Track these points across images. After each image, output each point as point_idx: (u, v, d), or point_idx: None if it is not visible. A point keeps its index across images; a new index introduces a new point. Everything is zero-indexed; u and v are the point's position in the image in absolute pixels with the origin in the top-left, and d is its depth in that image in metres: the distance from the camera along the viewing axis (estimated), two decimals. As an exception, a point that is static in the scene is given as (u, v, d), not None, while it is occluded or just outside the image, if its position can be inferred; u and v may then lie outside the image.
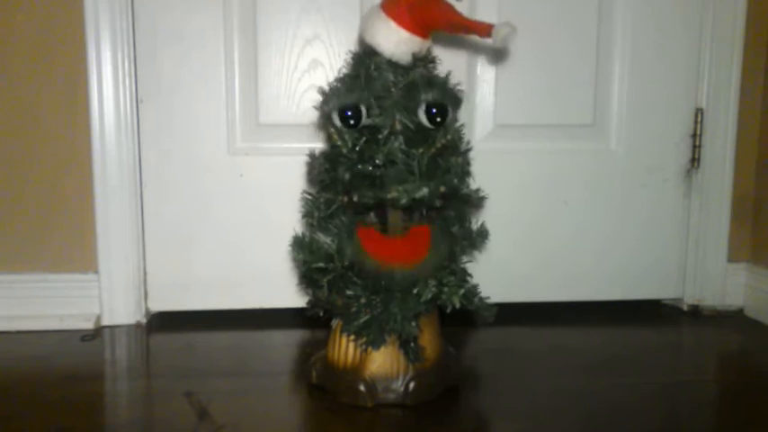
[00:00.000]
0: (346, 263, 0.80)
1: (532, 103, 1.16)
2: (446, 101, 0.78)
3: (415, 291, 0.79)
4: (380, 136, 0.78)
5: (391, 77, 0.79)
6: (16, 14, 1.07)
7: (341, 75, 0.83)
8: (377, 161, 0.78)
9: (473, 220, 0.88)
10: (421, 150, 0.78)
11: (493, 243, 0.91)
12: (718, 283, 1.22)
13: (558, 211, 1.19)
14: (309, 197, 0.85)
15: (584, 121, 1.18)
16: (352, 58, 0.83)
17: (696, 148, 1.20)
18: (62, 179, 1.11)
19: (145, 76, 1.10)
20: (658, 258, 1.23)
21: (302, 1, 1.11)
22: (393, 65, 0.80)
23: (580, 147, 1.19)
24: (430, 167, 0.78)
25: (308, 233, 0.83)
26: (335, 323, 0.86)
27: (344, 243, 0.80)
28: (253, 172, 1.14)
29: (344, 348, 0.84)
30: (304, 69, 1.12)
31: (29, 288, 1.12)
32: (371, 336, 0.81)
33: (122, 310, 1.13)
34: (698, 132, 1.19)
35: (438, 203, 0.80)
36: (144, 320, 1.14)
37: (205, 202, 1.13)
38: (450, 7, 0.79)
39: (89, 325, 1.11)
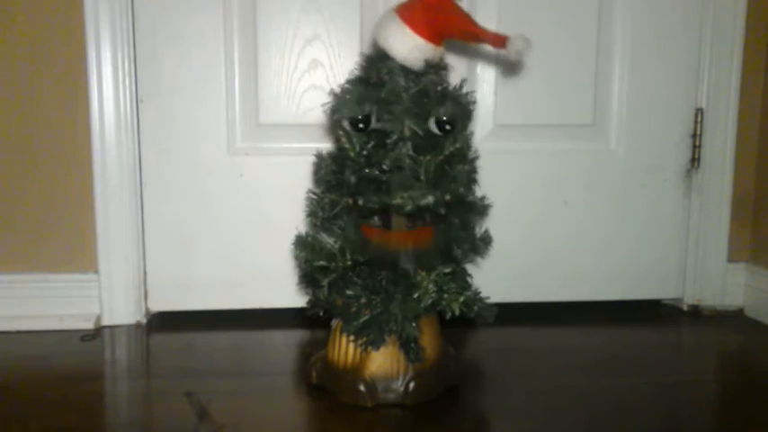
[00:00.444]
0: (349, 262, 0.80)
1: (532, 103, 1.16)
2: (457, 115, 0.78)
3: (415, 295, 0.80)
4: (389, 141, 0.78)
5: (402, 83, 0.79)
6: (16, 14, 1.07)
7: (352, 77, 0.83)
8: (384, 166, 0.77)
9: (477, 227, 0.88)
10: (428, 157, 0.78)
11: (493, 243, 0.91)
12: (718, 283, 1.22)
13: (558, 211, 1.19)
14: (314, 197, 0.85)
15: (584, 122, 1.18)
16: (364, 61, 0.83)
17: (696, 148, 1.20)
18: (62, 179, 1.11)
19: (145, 76, 1.10)
20: (658, 258, 1.23)
21: (302, 1, 1.11)
22: (405, 70, 0.80)
23: (580, 147, 1.19)
24: (436, 175, 0.78)
25: (311, 233, 0.83)
26: (335, 323, 0.86)
27: (349, 238, 0.80)
28: (253, 172, 1.14)
29: (344, 348, 0.84)
30: (304, 69, 1.13)
31: (29, 288, 1.12)
32: (371, 336, 0.81)
33: (122, 310, 1.13)
34: (698, 132, 1.19)
35: (442, 211, 0.80)
36: (144, 320, 1.14)
37: (205, 202, 1.14)
38: (467, 16, 0.79)
39: (89, 325, 1.11)
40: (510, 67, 1.15)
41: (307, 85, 1.13)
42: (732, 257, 1.23)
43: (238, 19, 1.11)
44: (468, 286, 0.85)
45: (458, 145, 0.79)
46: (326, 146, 0.90)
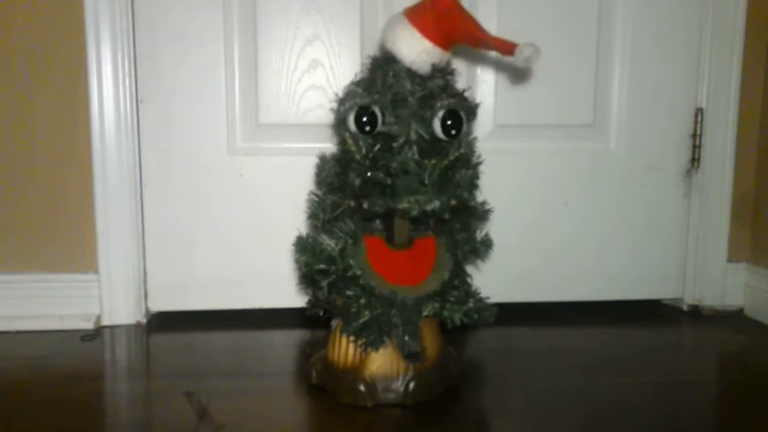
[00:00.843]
0: (349, 273, 0.80)
1: (532, 103, 1.16)
2: (462, 112, 0.78)
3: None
4: (395, 145, 0.78)
5: (408, 86, 0.79)
6: (16, 15, 1.07)
7: (358, 78, 0.83)
8: (389, 170, 0.77)
9: (478, 230, 0.88)
10: (434, 162, 0.78)
11: (493, 246, 0.91)
12: (718, 283, 1.22)
13: (558, 211, 1.19)
14: (316, 198, 0.85)
15: (584, 122, 1.18)
16: (371, 63, 0.83)
17: (696, 148, 1.20)
18: (62, 179, 1.11)
19: (145, 76, 1.10)
20: (658, 258, 1.23)
21: (302, 1, 1.11)
22: (411, 74, 0.79)
23: (580, 147, 1.19)
24: (441, 179, 0.78)
25: (311, 234, 0.83)
26: (335, 323, 0.86)
27: (349, 252, 0.80)
28: (253, 172, 1.14)
29: (344, 348, 0.84)
30: (304, 69, 1.13)
31: (29, 288, 1.12)
32: (371, 336, 0.81)
33: (122, 310, 1.13)
34: (698, 132, 1.19)
35: (447, 216, 0.80)
36: (144, 320, 1.14)
37: (205, 202, 1.14)
38: (476, 22, 0.78)
39: (89, 325, 1.11)
40: (510, 68, 1.15)
41: (307, 85, 1.13)
42: (732, 257, 1.23)
43: (238, 19, 1.11)
44: (469, 296, 0.84)
45: (462, 150, 0.79)
46: (327, 146, 0.91)
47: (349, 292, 0.81)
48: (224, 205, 1.14)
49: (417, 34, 0.79)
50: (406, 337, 0.79)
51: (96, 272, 1.13)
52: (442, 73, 0.81)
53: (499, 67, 1.15)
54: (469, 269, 0.89)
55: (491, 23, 1.12)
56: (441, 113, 0.78)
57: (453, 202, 0.78)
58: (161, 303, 1.16)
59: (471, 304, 0.83)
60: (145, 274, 1.15)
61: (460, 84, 0.85)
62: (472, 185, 0.81)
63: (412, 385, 0.82)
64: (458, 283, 0.84)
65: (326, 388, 0.86)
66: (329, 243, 0.80)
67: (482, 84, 1.16)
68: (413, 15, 0.80)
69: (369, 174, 0.78)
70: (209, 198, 1.14)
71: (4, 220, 1.11)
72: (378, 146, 0.78)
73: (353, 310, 0.81)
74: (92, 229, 1.12)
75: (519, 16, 1.13)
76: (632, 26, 1.16)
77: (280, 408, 0.84)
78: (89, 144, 1.09)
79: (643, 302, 1.25)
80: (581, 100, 1.18)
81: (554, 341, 1.08)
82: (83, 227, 1.12)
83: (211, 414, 0.80)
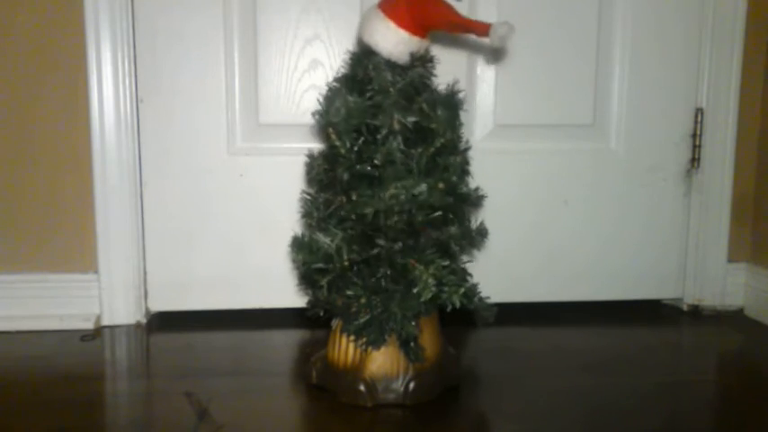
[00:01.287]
0: (346, 263, 0.80)
1: (532, 103, 1.16)
2: (443, 99, 0.79)
3: (415, 290, 0.79)
4: (379, 136, 0.78)
5: (389, 77, 0.79)
6: (17, 14, 1.07)
7: (339, 75, 0.83)
8: (375, 161, 0.78)
9: (473, 220, 0.88)
10: (420, 150, 0.78)
11: (493, 243, 0.91)
12: (718, 283, 1.22)
13: (558, 211, 1.19)
14: (308, 197, 0.85)
15: (584, 121, 1.18)
16: (351, 59, 0.83)
17: (696, 148, 1.20)
18: (62, 179, 1.11)
19: (145, 76, 1.10)
20: (658, 258, 1.23)
21: (302, 1, 1.11)
22: (391, 65, 0.80)
23: (580, 147, 1.19)
24: (429, 166, 0.78)
25: (307, 233, 0.83)
26: (335, 323, 0.86)
27: (343, 243, 0.80)
28: (253, 172, 1.14)
29: (344, 348, 0.84)
30: (304, 69, 1.12)
31: (29, 288, 1.12)
32: (372, 336, 0.81)
33: (122, 310, 1.13)
34: (698, 132, 1.19)
35: (436, 203, 0.79)
36: (144, 320, 1.14)
37: (205, 202, 1.13)
38: (449, 7, 0.79)
39: (89, 325, 1.11)
40: (510, 68, 1.15)
41: (307, 85, 1.13)
42: (732, 257, 1.23)
43: (238, 19, 1.11)
44: (466, 279, 0.85)
45: (448, 136, 0.79)
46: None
47: (349, 292, 0.81)
48: (224, 205, 1.14)
49: (392, 25, 0.79)
50: (405, 323, 0.79)
51: (96, 272, 1.13)
52: (422, 61, 0.82)
53: (499, 66, 1.15)
54: (470, 268, 0.89)
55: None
56: (422, 101, 0.78)
57: (441, 185, 0.78)
58: (161, 303, 1.16)
59: (469, 284, 0.82)
60: (145, 273, 1.15)
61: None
62: (462, 171, 0.81)
63: (412, 385, 0.82)
64: (454, 267, 0.83)
65: (326, 388, 0.86)
66: (325, 241, 0.80)
67: (482, 84, 1.16)
68: (387, 7, 0.80)
69: (356, 167, 0.78)
70: (209, 198, 1.14)
71: (4, 219, 1.11)
72: (362, 138, 0.78)
73: (353, 309, 0.81)
74: (92, 229, 1.12)
75: (519, 16, 1.13)
76: (632, 26, 1.16)
77: (280, 407, 0.84)
78: (89, 144, 1.09)
79: (643, 302, 1.25)
80: (581, 100, 1.17)
81: (554, 341, 1.08)
82: (83, 227, 1.12)
83: (211, 414, 0.80)
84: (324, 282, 0.82)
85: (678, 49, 1.17)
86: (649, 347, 1.06)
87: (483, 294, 0.86)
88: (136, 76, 1.10)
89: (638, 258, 1.22)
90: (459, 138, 0.82)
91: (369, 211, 0.79)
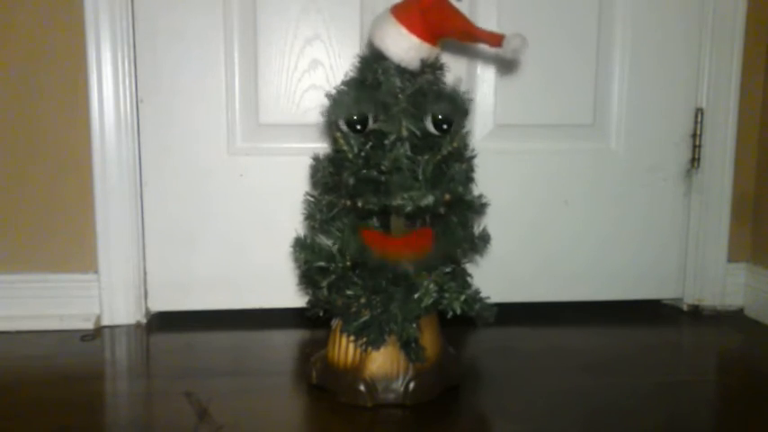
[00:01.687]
0: (348, 263, 0.80)
1: (532, 103, 1.16)
2: (453, 114, 0.78)
3: (415, 296, 0.79)
4: (387, 142, 0.78)
5: (398, 83, 0.79)
6: (17, 14, 1.07)
7: (348, 78, 0.83)
8: (382, 167, 0.77)
9: (475, 225, 0.88)
10: (426, 157, 0.78)
11: (493, 243, 0.91)
12: (718, 283, 1.22)
13: (558, 211, 1.19)
14: (312, 199, 0.85)
15: (584, 121, 1.18)
16: (360, 62, 0.83)
17: (696, 148, 1.20)
18: (62, 179, 1.11)
19: (145, 76, 1.10)
20: (658, 258, 1.23)
21: (302, 1, 1.11)
22: (401, 70, 0.80)
23: (580, 147, 1.19)
24: (435, 174, 0.78)
25: (309, 235, 0.83)
26: (335, 323, 0.86)
27: (347, 240, 0.80)
28: (253, 172, 1.14)
29: (344, 348, 0.84)
30: (304, 69, 1.12)
31: (29, 288, 1.12)
32: (371, 336, 0.81)
33: (122, 310, 1.13)
34: (698, 132, 1.19)
35: (442, 211, 0.80)
36: (144, 320, 1.14)
37: (205, 201, 1.13)
38: (462, 16, 0.79)
39: (89, 325, 1.11)
40: (510, 67, 1.15)
41: (307, 85, 1.13)
42: (732, 257, 1.23)
43: (238, 19, 1.11)
44: (468, 285, 0.85)
45: (455, 144, 0.79)
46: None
47: (349, 292, 0.81)
48: (224, 205, 1.14)
49: (404, 31, 0.79)
50: (405, 324, 0.79)
51: (96, 272, 1.13)
52: (432, 68, 0.82)
53: (499, 66, 1.15)
54: (470, 268, 0.89)
55: (491, 23, 1.12)
56: (431, 109, 0.78)
57: (447, 196, 0.78)
58: (161, 303, 1.16)
59: (470, 292, 0.82)
60: (145, 274, 1.15)
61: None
62: (467, 179, 0.81)
63: (412, 385, 0.82)
64: (456, 272, 0.83)
65: (326, 388, 0.86)
66: (327, 243, 0.80)
67: (482, 84, 1.16)
68: (400, 12, 0.80)
69: (363, 172, 0.78)
70: (209, 198, 1.14)
71: (4, 219, 1.11)
72: (369, 144, 0.78)
73: (353, 309, 0.81)
74: (92, 229, 1.12)
75: (519, 16, 1.13)
76: (632, 26, 1.16)
77: (280, 408, 0.84)
78: (89, 144, 1.09)
79: (643, 302, 1.25)
80: (581, 100, 1.18)
81: (554, 341, 1.08)
82: (83, 227, 1.12)
83: (211, 414, 0.80)
84: (324, 283, 0.82)
85: (678, 49, 1.17)
86: (649, 347, 1.06)
87: (483, 294, 0.86)
88: (136, 76, 1.10)
89: (638, 258, 1.22)
90: (465, 146, 0.82)
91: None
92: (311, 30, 1.12)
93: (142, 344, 1.07)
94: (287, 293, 1.16)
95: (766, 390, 0.89)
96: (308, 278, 0.85)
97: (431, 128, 0.78)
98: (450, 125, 0.78)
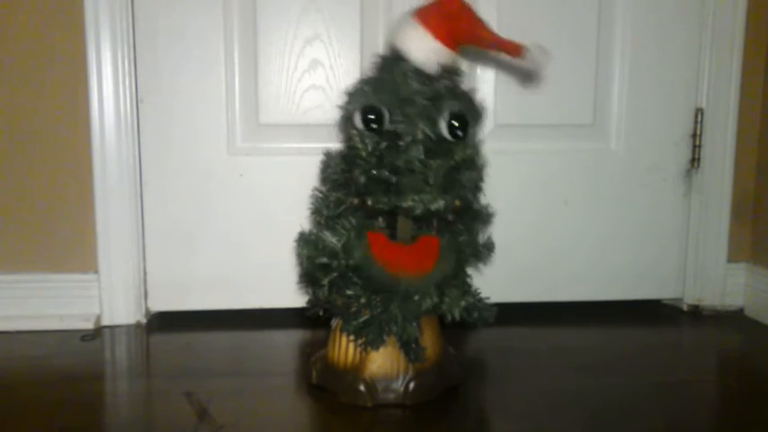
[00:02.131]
0: (351, 262, 0.80)
1: (532, 103, 1.16)
2: (468, 114, 0.78)
3: (415, 297, 0.80)
4: (401, 143, 0.78)
5: (416, 85, 0.79)
6: (16, 14, 1.07)
7: (366, 77, 0.83)
8: (395, 168, 0.77)
9: (480, 233, 0.88)
10: (439, 162, 0.78)
11: (495, 249, 0.91)
12: (718, 283, 1.22)
13: (558, 211, 1.19)
14: (320, 195, 0.85)
15: (583, 121, 1.18)
16: (380, 62, 0.83)
17: (696, 148, 1.20)
18: (62, 179, 1.11)
19: (145, 76, 1.10)
20: (658, 258, 1.23)
21: (302, 1, 1.11)
22: (420, 73, 0.80)
23: (580, 147, 1.19)
24: (446, 180, 0.78)
25: (314, 231, 0.83)
26: (335, 323, 0.86)
27: (351, 244, 0.80)
28: (253, 172, 1.14)
29: (344, 348, 0.84)
30: (304, 69, 1.13)
31: (29, 288, 1.12)
32: (371, 336, 0.81)
33: (122, 310, 1.13)
34: (698, 132, 1.19)
35: (451, 217, 0.80)
36: (144, 320, 1.14)
37: (205, 202, 1.14)
38: (484, 24, 0.80)
39: (89, 325, 1.11)
40: (510, 68, 1.15)
41: (307, 85, 1.13)
42: (732, 257, 1.23)
43: (238, 19, 1.11)
44: (468, 290, 0.84)
45: (468, 151, 0.79)
46: (327, 146, 0.90)
47: (349, 292, 0.81)
48: (224, 205, 1.14)
49: (427, 34, 0.79)
50: (405, 324, 0.79)
51: (96, 272, 1.13)
52: (450, 73, 0.82)
53: (499, 66, 1.15)
54: (470, 269, 0.89)
55: (491, 23, 1.11)
56: (447, 114, 0.78)
57: (457, 202, 0.78)
58: (161, 303, 1.16)
59: (471, 299, 0.82)
60: (145, 274, 1.15)
61: (465, 84, 0.85)
62: (476, 188, 0.81)
63: (412, 385, 0.82)
64: (457, 282, 0.83)
65: (326, 388, 0.86)
66: (331, 239, 0.80)
67: (482, 84, 1.16)
68: (423, 15, 0.81)
69: (374, 171, 0.78)
70: (209, 198, 1.14)
71: (4, 219, 1.11)
72: (384, 144, 0.78)
73: (353, 309, 0.81)
74: (92, 229, 1.12)
75: (519, 16, 1.13)
76: (632, 26, 1.16)
77: (280, 407, 0.84)
78: (89, 144, 1.09)
79: (643, 302, 1.25)
80: (581, 100, 1.18)
81: (554, 341, 1.08)
82: (83, 227, 1.12)
83: (211, 414, 0.80)
84: (325, 280, 0.82)
85: (678, 49, 1.17)
86: (649, 347, 1.06)
87: (483, 294, 0.86)
88: (136, 76, 1.10)
89: (638, 258, 1.22)
90: (478, 154, 0.82)
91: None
92: (311, 30, 1.12)
93: (142, 344, 1.07)
94: (287, 293, 1.16)
95: (766, 390, 0.90)
96: (309, 275, 0.85)
97: (445, 133, 0.78)
98: (465, 132, 0.78)
